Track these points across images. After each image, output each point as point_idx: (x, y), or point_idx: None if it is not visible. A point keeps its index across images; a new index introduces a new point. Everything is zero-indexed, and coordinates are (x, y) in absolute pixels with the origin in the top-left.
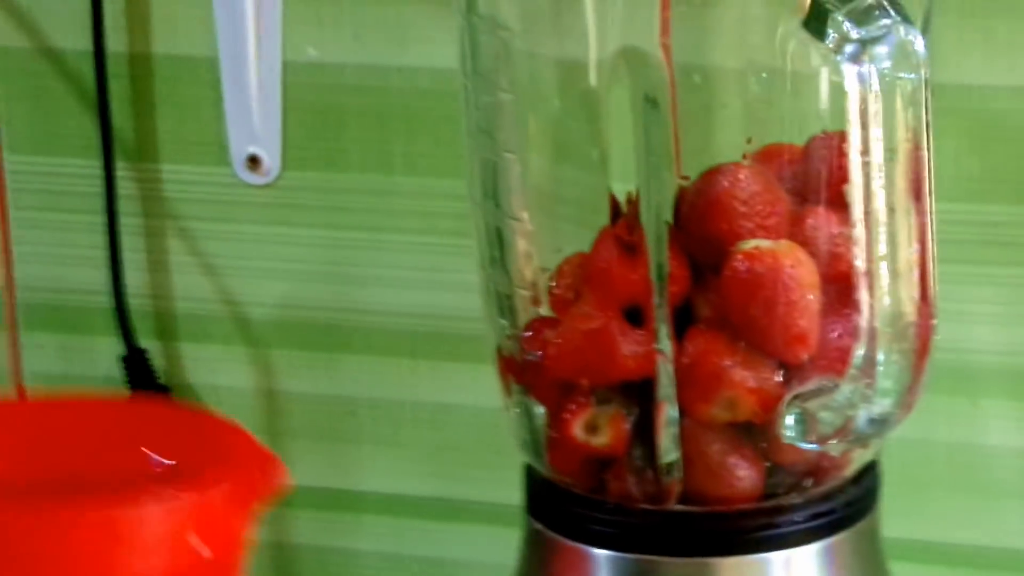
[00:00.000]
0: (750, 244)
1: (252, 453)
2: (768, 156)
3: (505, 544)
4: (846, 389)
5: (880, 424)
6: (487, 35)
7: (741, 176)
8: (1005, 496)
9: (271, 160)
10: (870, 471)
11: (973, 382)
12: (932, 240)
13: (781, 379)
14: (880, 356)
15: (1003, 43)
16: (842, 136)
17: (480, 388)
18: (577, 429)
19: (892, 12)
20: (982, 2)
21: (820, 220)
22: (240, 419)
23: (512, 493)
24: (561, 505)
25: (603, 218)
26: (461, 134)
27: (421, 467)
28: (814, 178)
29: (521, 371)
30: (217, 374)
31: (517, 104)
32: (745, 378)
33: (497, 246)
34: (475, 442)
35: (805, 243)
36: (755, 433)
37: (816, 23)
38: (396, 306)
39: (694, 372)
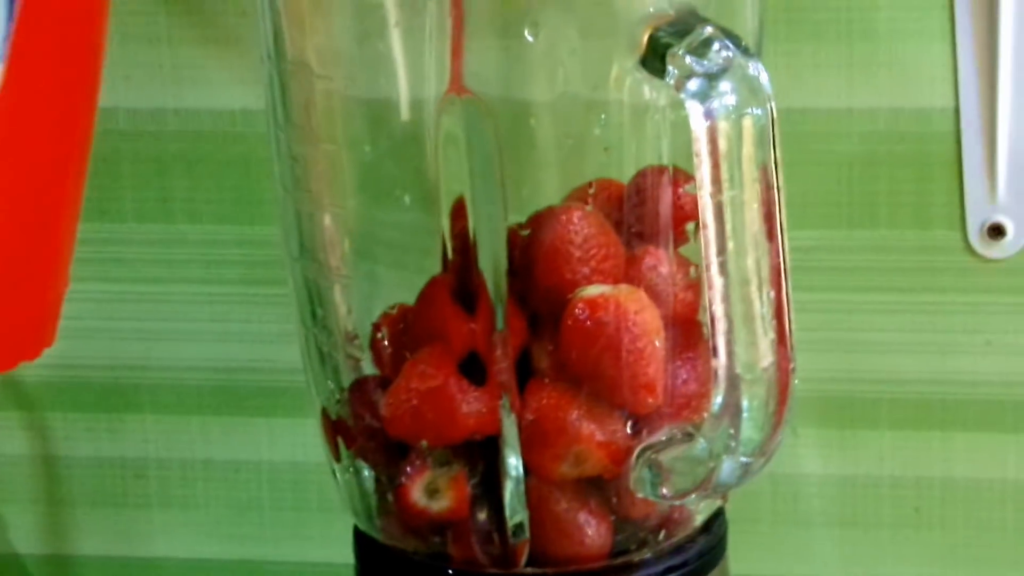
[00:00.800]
0: (590, 291)
1: None
2: (586, 194)
3: None
4: (706, 439)
5: (742, 474)
6: (296, 81)
7: (575, 218)
8: (824, 525)
9: None
10: (719, 517)
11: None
12: (787, 280)
13: (630, 430)
14: (744, 403)
15: (809, 65)
16: (677, 172)
17: (275, 442)
18: (416, 493)
19: (732, 45)
20: (786, 27)
21: (657, 261)
22: (17, 488)
23: (317, 551)
24: (399, 572)
25: (430, 265)
26: (272, 185)
27: (218, 529)
28: (649, 216)
29: (350, 434)
30: None
31: (333, 152)
32: (593, 432)
33: (318, 302)
34: (274, 499)
35: (643, 286)
36: (604, 488)
37: (654, 60)
38: (183, 361)
39: (539, 428)
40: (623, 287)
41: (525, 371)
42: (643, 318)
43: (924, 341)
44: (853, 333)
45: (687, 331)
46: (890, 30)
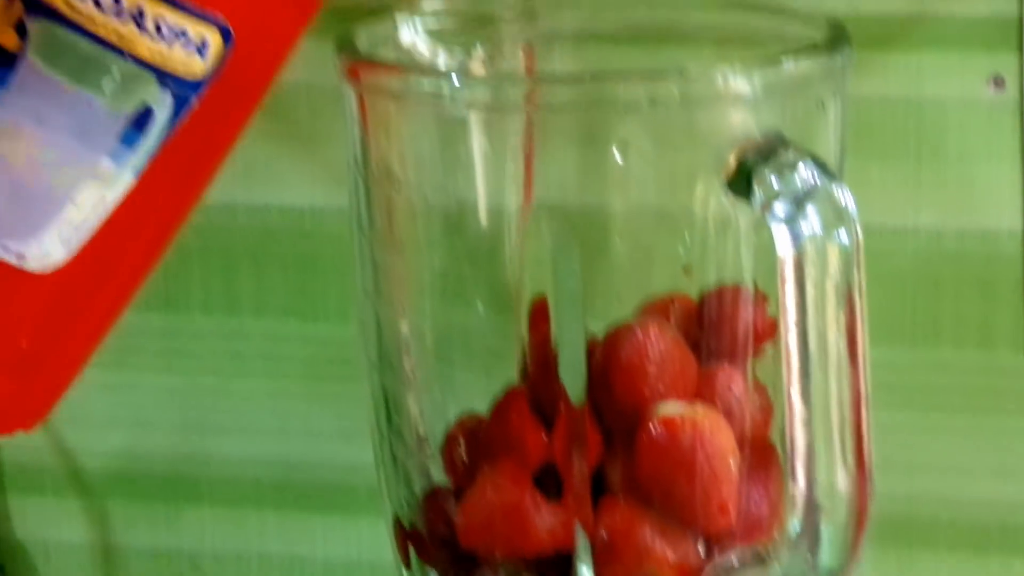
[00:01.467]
0: (666, 409)
1: None
2: (662, 309)
3: None
4: (781, 565)
5: None
6: (380, 187)
7: (653, 335)
8: None
9: None
10: None
11: None
12: (868, 406)
13: (702, 551)
14: (822, 529)
15: (875, 184)
16: (757, 293)
17: (331, 540)
18: None
19: (817, 169)
20: (854, 143)
21: (733, 380)
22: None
23: None
24: None
25: (504, 370)
26: (343, 287)
27: None
28: (726, 335)
29: (422, 542)
30: (49, 529)
31: (413, 258)
32: (665, 551)
33: (394, 408)
34: None
35: (718, 405)
36: None
37: (740, 183)
38: (242, 455)
39: (612, 545)
40: (699, 407)
41: (598, 487)
42: (719, 439)
43: (985, 463)
44: (913, 452)
45: (759, 452)
46: (959, 152)
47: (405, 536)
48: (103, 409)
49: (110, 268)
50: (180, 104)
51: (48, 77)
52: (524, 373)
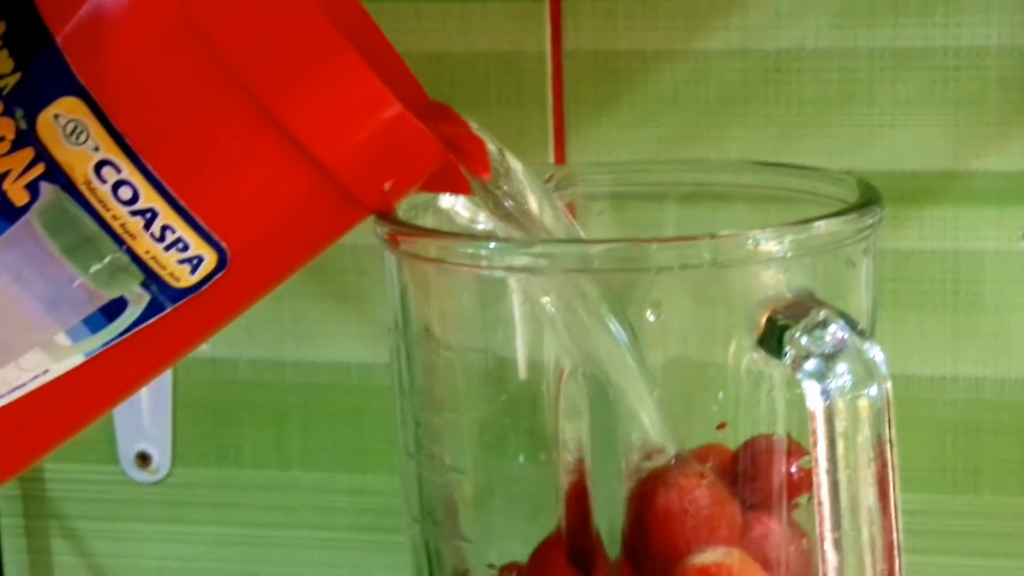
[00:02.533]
0: (703, 558)
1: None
2: (699, 460)
3: None
4: None
5: None
6: (421, 349)
7: (691, 485)
8: None
9: (161, 457)
10: None
11: None
12: (900, 555)
13: None
14: None
15: (914, 334)
16: (791, 444)
17: None
18: None
19: (847, 326)
20: (892, 295)
21: (769, 530)
22: None
23: None
24: None
25: (544, 519)
26: (395, 446)
27: None
28: (761, 487)
29: None
30: None
31: (454, 417)
32: None
33: (436, 562)
34: None
35: (754, 554)
36: None
37: (772, 341)
38: None
39: None
40: (736, 554)
41: None
42: None
43: None
44: None
45: None
46: (996, 302)
47: None
48: (157, 560)
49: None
50: (154, 308)
51: (42, 242)
52: (563, 523)
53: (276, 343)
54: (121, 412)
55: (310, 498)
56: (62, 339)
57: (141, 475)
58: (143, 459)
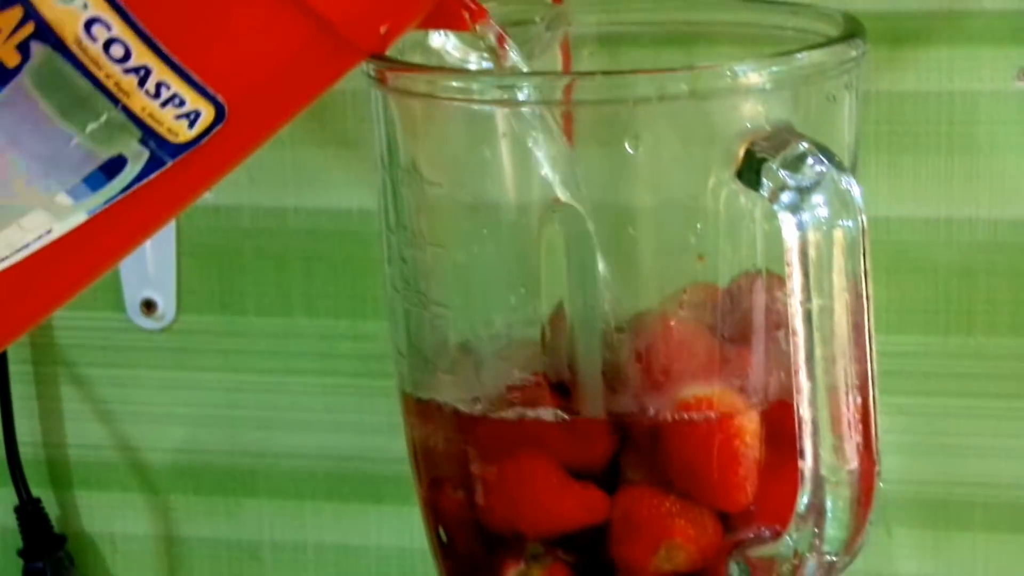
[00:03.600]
0: (686, 392)
1: None
2: (680, 299)
3: None
4: (791, 538)
5: (826, 572)
6: (407, 186)
7: (671, 324)
8: None
9: (166, 304)
10: None
11: (885, 511)
12: (874, 387)
13: (721, 528)
14: (828, 504)
15: (909, 176)
16: (772, 278)
17: (384, 529)
18: None
19: (825, 160)
20: (887, 137)
21: (751, 365)
22: (140, 567)
23: None
24: None
25: (531, 358)
26: (383, 285)
27: None
28: (743, 322)
29: (449, 523)
30: (114, 522)
31: (441, 254)
32: (684, 527)
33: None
34: None
35: (738, 390)
36: None
37: (750, 173)
38: (297, 448)
39: (631, 523)
40: (719, 389)
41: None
42: (738, 421)
43: (1020, 446)
44: (949, 437)
45: (785, 435)
46: (990, 143)
47: (435, 518)
48: (164, 407)
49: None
50: (154, 164)
51: (36, 103)
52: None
53: (278, 190)
54: (126, 260)
55: (313, 344)
56: (63, 199)
57: (147, 322)
58: (148, 306)
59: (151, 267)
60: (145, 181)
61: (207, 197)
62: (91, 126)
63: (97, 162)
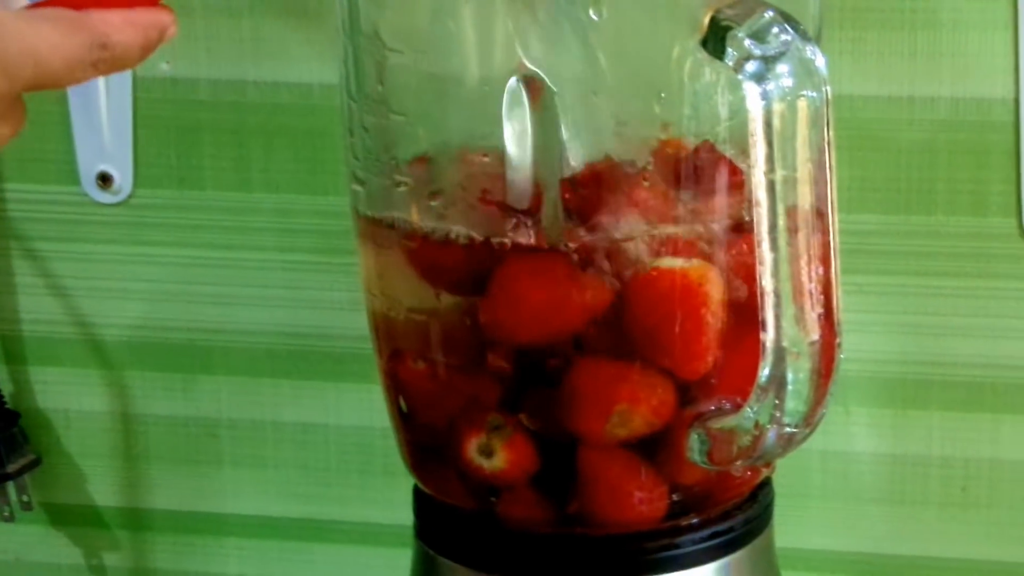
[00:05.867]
0: (662, 263)
1: None
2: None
3: (376, 563)
4: (752, 409)
5: (786, 444)
6: (369, 54)
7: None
8: (872, 502)
9: (122, 178)
10: (765, 486)
11: (844, 390)
12: (836, 259)
13: (674, 389)
14: (789, 376)
15: (873, 53)
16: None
17: (343, 407)
18: (471, 453)
19: (791, 29)
20: (852, 14)
21: (713, 236)
22: (95, 443)
23: (380, 512)
24: (453, 529)
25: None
26: (342, 153)
27: (285, 488)
28: (705, 192)
29: (410, 394)
30: (69, 398)
31: (403, 122)
32: (633, 391)
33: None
34: (340, 462)
35: (709, 259)
36: (655, 454)
37: (715, 42)
38: (256, 325)
39: (582, 391)
40: (695, 261)
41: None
42: (705, 290)
43: (977, 325)
44: (907, 316)
45: (748, 309)
46: (953, 20)
47: (396, 389)
48: (120, 282)
49: None
50: None
51: None
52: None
53: (236, 62)
54: (81, 131)
55: (272, 220)
56: None
57: (103, 196)
58: (104, 180)
59: (107, 140)
60: None
61: (163, 68)
62: None
63: None
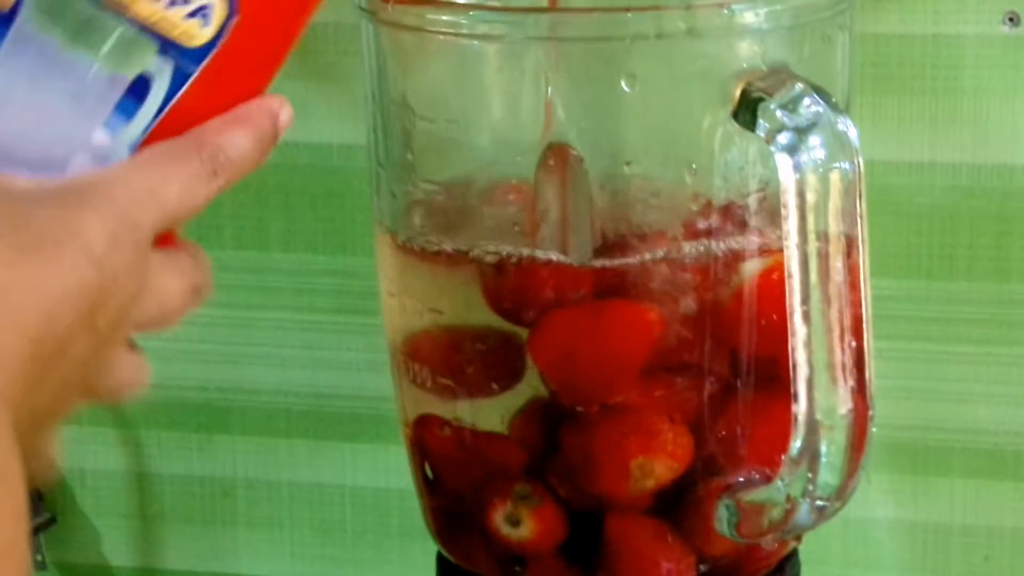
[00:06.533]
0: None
1: None
2: None
3: None
4: (783, 482)
5: (818, 517)
6: (397, 121)
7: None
8: (893, 570)
9: None
10: (792, 557)
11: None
12: (868, 331)
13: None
14: (822, 448)
15: (892, 120)
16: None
17: (359, 468)
18: (498, 521)
19: (822, 101)
20: (872, 80)
21: None
22: (110, 502)
23: (396, 574)
24: None
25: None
26: (370, 220)
27: (302, 549)
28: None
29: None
30: (85, 456)
31: (432, 190)
32: (645, 442)
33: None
34: (356, 522)
35: None
36: (682, 525)
37: (746, 113)
38: (272, 384)
39: (595, 454)
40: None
41: None
42: None
43: (999, 392)
44: (929, 382)
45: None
46: (974, 87)
47: (421, 454)
48: (136, 340)
49: None
50: (180, 77)
51: (42, 38)
52: None
53: None
54: None
55: (290, 280)
56: (101, 136)
57: None
58: None
59: None
60: (177, 98)
61: None
62: (104, 48)
63: (123, 86)
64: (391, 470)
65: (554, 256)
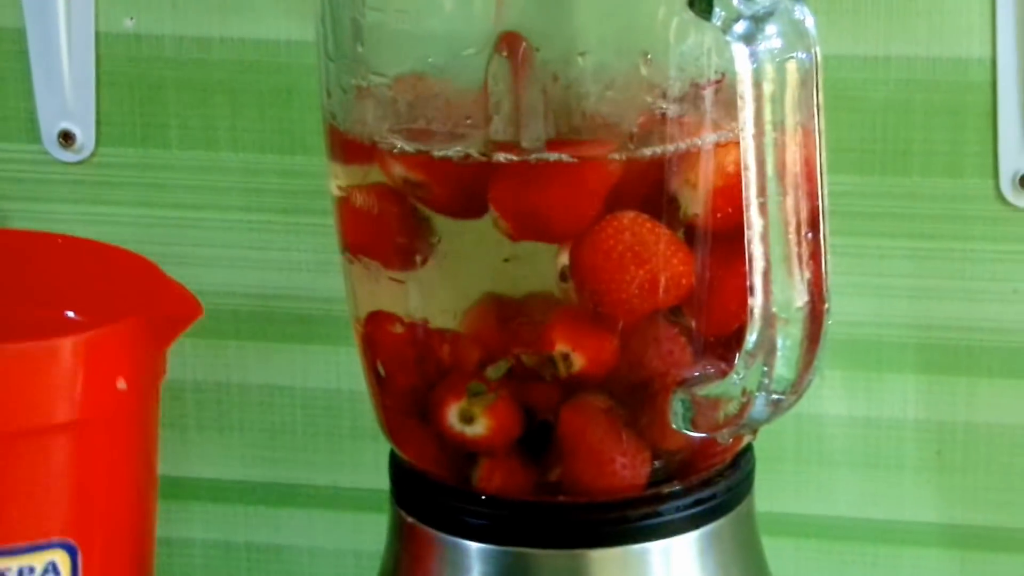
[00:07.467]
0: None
1: (161, 285)
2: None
3: (345, 528)
4: (739, 375)
5: (773, 411)
6: (348, 13)
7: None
8: (846, 466)
9: (85, 136)
10: (747, 453)
11: None
12: (825, 223)
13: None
14: (778, 342)
15: (848, 12)
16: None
17: (310, 369)
18: (452, 418)
19: None
20: None
21: None
22: None
23: (348, 476)
24: (431, 496)
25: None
26: (320, 119)
27: (251, 451)
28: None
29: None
30: None
31: (383, 83)
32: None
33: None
34: (307, 425)
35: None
36: (638, 420)
37: (702, 2)
38: (221, 286)
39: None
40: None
41: None
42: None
43: (952, 288)
44: (882, 278)
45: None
46: None
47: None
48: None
49: None
50: None
51: None
52: None
53: (202, 19)
54: (42, 88)
55: (238, 179)
56: None
57: (65, 154)
58: (66, 138)
59: (69, 97)
60: None
61: (127, 24)
62: None
63: None
64: (342, 372)
65: (505, 154)
